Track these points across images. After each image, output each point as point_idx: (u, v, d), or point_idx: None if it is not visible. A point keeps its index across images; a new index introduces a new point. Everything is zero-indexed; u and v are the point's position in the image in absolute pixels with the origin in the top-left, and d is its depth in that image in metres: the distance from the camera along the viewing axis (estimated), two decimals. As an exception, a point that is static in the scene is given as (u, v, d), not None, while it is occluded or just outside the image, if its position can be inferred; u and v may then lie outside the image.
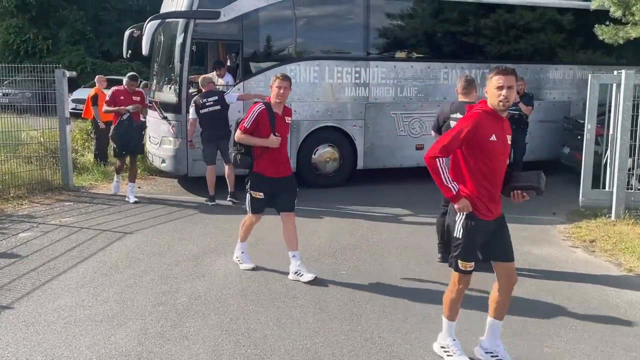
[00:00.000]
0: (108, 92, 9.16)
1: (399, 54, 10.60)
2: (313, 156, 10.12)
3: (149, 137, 10.35)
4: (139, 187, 10.00)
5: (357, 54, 10.25)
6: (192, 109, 8.66)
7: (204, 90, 8.73)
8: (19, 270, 5.68)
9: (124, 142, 8.89)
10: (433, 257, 6.26)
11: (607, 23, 10.57)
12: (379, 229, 7.51)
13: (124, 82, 8.93)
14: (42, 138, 9.91)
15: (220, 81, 9.71)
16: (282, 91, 5.38)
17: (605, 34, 10.59)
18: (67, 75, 9.43)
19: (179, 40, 9.30)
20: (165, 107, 9.48)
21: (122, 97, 8.78)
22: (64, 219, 7.76)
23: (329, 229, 7.47)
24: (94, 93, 11.33)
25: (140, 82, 12.89)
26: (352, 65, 10.08)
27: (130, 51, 10.94)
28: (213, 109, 8.61)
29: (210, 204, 8.74)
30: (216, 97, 8.67)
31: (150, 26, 8.82)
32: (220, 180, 8.86)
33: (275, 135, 5.36)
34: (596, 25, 10.73)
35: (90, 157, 11.81)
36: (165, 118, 9.37)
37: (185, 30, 9.10)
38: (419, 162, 10.77)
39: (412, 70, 10.48)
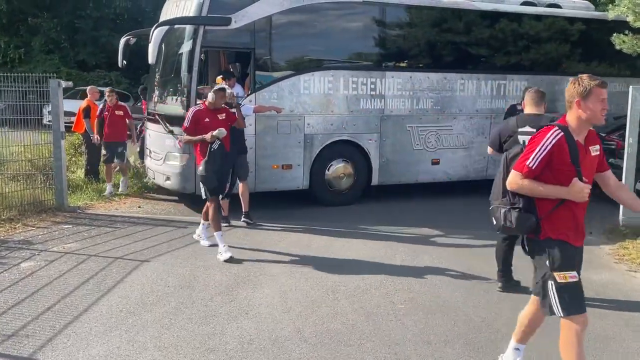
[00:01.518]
0: (187, 114, 6.81)
1: (415, 64, 10.08)
2: (327, 172, 9.51)
3: (150, 152, 9.60)
4: (139, 207, 9.27)
5: (372, 63, 9.72)
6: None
7: None
8: (32, 310, 4.91)
9: (221, 179, 6.82)
10: (491, 286, 5.71)
11: (626, 32, 10.26)
12: (418, 253, 6.92)
13: (209, 98, 6.69)
14: (28, 154, 9.07)
15: (229, 92, 9.01)
16: (605, 106, 3.37)
17: (624, 44, 10.28)
18: (63, 86, 8.64)
19: (186, 48, 8.62)
20: (170, 120, 8.75)
21: (207, 119, 6.62)
22: (67, 244, 6.97)
23: (366, 255, 6.84)
24: (86, 105, 10.52)
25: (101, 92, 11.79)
26: (367, 75, 9.53)
27: (125, 61, 10.25)
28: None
29: (223, 224, 8.03)
30: (233, 110, 8.00)
31: (157, 33, 8.10)
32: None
33: (582, 180, 3.32)
34: (614, 35, 10.43)
35: (79, 173, 10.98)
36: (171, 132, 8.65)
37: (194, 37, 8.42)
38: (435, 177, 10.34)
39: (429, 81, 9.98)
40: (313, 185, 9.41)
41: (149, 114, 9.68)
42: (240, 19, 8.60)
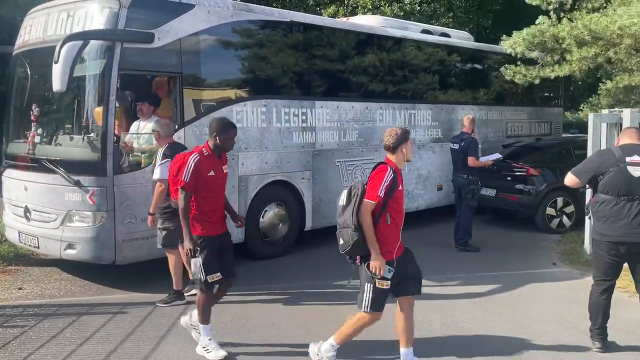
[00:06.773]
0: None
1: (342, 93, 9.09)
2: (261, 219, 8.01)
3: (25, 212, 7.01)
4: (20, 289, 6.71)
5: (303, 91, 8.51)
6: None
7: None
8: None
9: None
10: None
11: (518, 63, 10.56)
12: (452, 312, 5.93)
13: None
14: None
15: (147, 126, 7.00)
16: None
17: (515, 74, 10.57)
18: None
19: (97, 70, 6.48)
20: (73, 166, 6.47)
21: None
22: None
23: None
24: None
25: None
26: (298, 105, 8.30)
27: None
28: None
29: (179, 303, 6.12)
30: None
31: (69, 49, 5.83)
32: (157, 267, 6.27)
33: None
34: (505, 66, 10.75)
35: None
36: (77, 183, 6.37)
37: (109, 57, 6.34)
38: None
39: (353, 111, 9.10)
40: (248, 236, 7.82)
41: (22, 159, 7.10)
42: (165, 36, 6.78)
